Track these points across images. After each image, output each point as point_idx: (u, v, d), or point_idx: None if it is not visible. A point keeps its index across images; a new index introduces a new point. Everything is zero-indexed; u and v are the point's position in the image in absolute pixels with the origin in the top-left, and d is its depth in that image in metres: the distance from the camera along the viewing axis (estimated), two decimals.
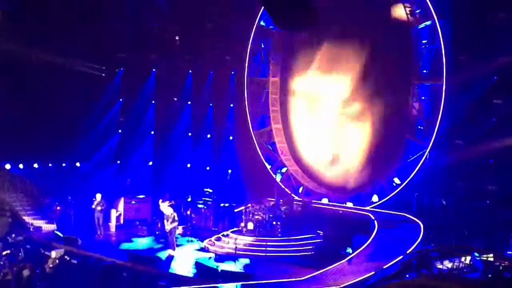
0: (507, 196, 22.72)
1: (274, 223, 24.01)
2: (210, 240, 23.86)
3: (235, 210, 26.57)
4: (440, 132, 24.60)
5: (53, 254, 20.12)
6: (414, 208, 24.70)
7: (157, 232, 25.34)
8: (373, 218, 23.94)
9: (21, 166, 28.42)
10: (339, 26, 28.12)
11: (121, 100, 31.62)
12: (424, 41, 25.86)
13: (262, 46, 31.27)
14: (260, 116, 31.66)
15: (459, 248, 20.20)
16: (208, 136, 32.45)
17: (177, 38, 32.17)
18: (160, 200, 23.14)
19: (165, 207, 22.49)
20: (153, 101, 32.24)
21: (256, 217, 24.16)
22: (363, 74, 27.75)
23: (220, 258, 21.87)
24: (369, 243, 21.21)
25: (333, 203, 27.78)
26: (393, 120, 26.98)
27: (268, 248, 22.41)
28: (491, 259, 18.90)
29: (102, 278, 19.58)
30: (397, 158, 26.62)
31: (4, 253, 19.65)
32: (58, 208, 26.71)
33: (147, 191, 29.03)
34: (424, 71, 25.98)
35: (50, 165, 29.54)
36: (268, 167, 30.53)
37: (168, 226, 22.23)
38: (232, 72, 31.83)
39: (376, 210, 25.88)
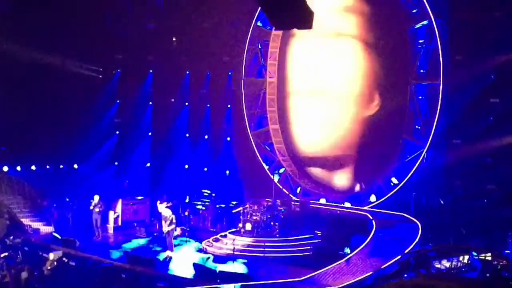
0: (505, 195, 22.75)
1: (272, 223, 24.03)
2: (208, 241, 23.87)
3: (233, 211, 26.59)
4: (438, 132, 24.63)
5: (51, 256, 20.12)
6: (412, 207, 24.69)
7: (155, 234, 25.34)
8: (371, 218, 23.96)
9: (18, 168, 28.39)
10: (335, 26, 28.18)
11: (118, 101, 31.61)
12: (420, 41, 25.89)
13: (259, 46, 31.26)
14: (257, 116, 31.65)
15: (457, 247, 20.20)
16: (206, 137, 32.45)
17: (174, 39, 32.16)
18: (158, 202, 23.14)
19: (163, 209, 22.49)
20: (150, 102, 32.25)
21: (254, 217, 24.16)
22: (360, 74, 27.76)
23: (219, 259, 21.88)
24: (367, 243, 21.23)
25: (331, 203, 27.78)
26: (390, 120, 27.00)
27: (266, 249, 22.41)
28: (489, 258, 18.92)
29: (100, 280, 19.55)
30: (395, 158, 26.64)
31: (2, 255, 19.61)
32: (56, 210, 26.71)
33: (145, 192, 29.03)
34: (421, 70, 26.02)
35: (47, 167, 29.52)
36: (266, 167, 30.52)
37: (166, 228, 22.23)
38: (229, 73, 31.82)
39: (374, 210, 25.89)
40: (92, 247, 23.53)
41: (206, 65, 31.83)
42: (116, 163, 31.64)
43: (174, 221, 22.35)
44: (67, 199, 26.89)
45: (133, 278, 19.55)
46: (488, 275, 17.51)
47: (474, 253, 19.06)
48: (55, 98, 28.13)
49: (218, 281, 18.52)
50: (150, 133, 32.37)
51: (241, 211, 25.08)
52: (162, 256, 22.09)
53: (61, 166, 29.90)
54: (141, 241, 24.86)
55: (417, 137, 26.03)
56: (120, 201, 27.09)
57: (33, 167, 28.84)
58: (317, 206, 27.16)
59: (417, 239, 20.98)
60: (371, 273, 18.40)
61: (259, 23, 30.50)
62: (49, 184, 28.27)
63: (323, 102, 29.30)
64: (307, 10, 7.83)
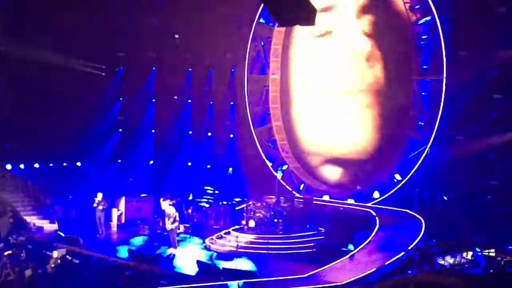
0: (509, 191, 22.71)
1: (275, 220, 24.02)
2: (212, 239, 23.88)
3: (236, 208, 26.58)
4: (441, 128, 24.57)
5: (55, 254, 20.11)
6: (415, 204, 24.67)
7: (158, 231, 25.36)
8: (374, 214, 23.95)
9: (22, 166, 28.44)
10: (337, 22, 28.17)
11: (121, 99, 31.62)
12: (424, 37, 25.82)
13: (262, 43, 31.22)
14: (260, 113, 31.61)
15: (460, 243, 20.21)
16: (209, 134, 32.43)
17: (176, 36, 32.11)
18: (162, 199, 23.16)
19: (167, 206, 22.51)
20: (153, 100, 32.25)
21: (258, 214, 24.17)
22: (363, 70, 27.72)
23: (222, 256, 21.89)
24: (371, 239, 21.23)
25: (334, 200, 27.76)
26: (393, 116, 26.96)
27: (269, 246, 22.42)
28: (493, 254, 18.93)
29: (104, 278, 19.57)
30: (398, 154, 26.59)
31: (6, 253, 19.63)
32: (60, 208, 26.73)
33: (148, 190, 29.05)
34: (424, 67, 25.94)
35: (51, 165, 29.56)
36: (269, 164, 30.48)
37: (169, 226, 22.26)
38: (232, 70, 31.80)
39: (377, 206, 25.86)
40: (96, 245, 23.55)
41: (209, 62, 31.80)
42: (119, 161, 31.65)
43: (177, 218, 22.38)
44: (70, 197, 26.88)
45: (136, 275, 19.57)
46: (492, 271, 17.53)
47: (478, 249, 19.08)
48: (58, 96, 28.16)
49: (222, 278, 18.54)
50: (153, 131, 32.36)
51: (245, 208, 25.09)
52: (165, 253, 22.10)
53: (65, 164, 29.94)
54: (145, 239, 24.87)
55: (420, 133, 25.98)
56: (123, 199, 27.10)
57: (36, 165, 28.89)
58: (321, 202, 27.14)
59: (420, 236, 20.98)
60: (374, 269, 18.41)
61: (261, 20, 30.44)
62: (52, 182, 28.31)
63: (326, 98, 29.26)
64: (310, 7, 7.82)
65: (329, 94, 29.10)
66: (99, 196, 25.09)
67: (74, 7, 28.10)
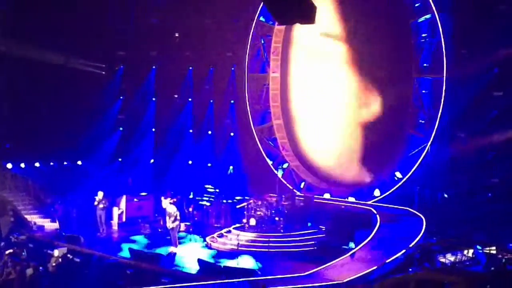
0: (509, 189, 22.71)
1: (276, 218, 24.01)
2: (213, 237, 23.88)
3: (237, 207, 26.59)
4: (441, 126, 24.57)
5: (56, 252, 20.15)
6: (416, 202, 24.68)
7: (159, 230, 25.36)
8: (375, 212, 23.95)
9: (22, 165, 28.45)
10: (339, 21, 28.20)
11: (121, 97, 31.63)
12: (424, 35, 25.81)
13: (262, 42, 31.22)
14: (260, 112, 31.62)
15: (461, 241, 20.21)
16: (209, 132, 32.44)
17: (177, 35, 32.14)
18: (163, 197, 23.16)
19: (168, 205, 22.51)
20: (153, 98, 32.25)
21: (258, 213, 24.16)
22: (364, 68, 27.73)
23: (223, 254, 21.90)
24: (372, 237, 21.22)
25: (335, 198, 27.78)
26: (394, 114, 26.96)
27: (270, 244, 22.42)
28: (494, 252, 18.93)
29: (105, 276, 19.59)
30: (399, 152, 26.59)
31: (7, 252, 19.66)
32: (60, 206, 26.74)
33: (149, 188, 29.06)
34: (425, 64, 25.93)
35: (51, 163, 29.57)
36: (270, 162, 30.50)
37: (170, 224, 22.26)
38: (232, 69, 31.80)
39: (378, 204, 25.88)
40: (97, 244, 23.56)
41: (209, 60, 31.80)
42: (119, 159, 31.67)
43: (178, 217, 22.38)
44: (71, 196, 26.86)
45: (137, 274, 19.59)
46: (492, 268, 17.52)
47: (479, 247, 19.07)
48: (59, 95, 28.17)
49: (222, 276, 18.54)
50: (153, 129, 32.38)
51: (245, 206, 25.07)
52: (166, 252, 22.11)
53: (65, 163, 29.94)
54: (145, 237, 24.89)
55: (421, 131, 25.98)
56: (124, 197, 27.10)
57: (37, 164, 28.90)
58: (321, 201, 27.15)
59: (421, 234, 20.96)
60: (375, 267, 18.40)
61: (261, 18, 30.46)
62: (53, 181, 28.32)
63: (326, 96, 29.28)
64: (310, 5, 7.82)
65: (329, 91, 29.10)
66: (100, 194, 25.10)
67: (74, 6, 28.10)
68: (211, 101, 32.38)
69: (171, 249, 22.35)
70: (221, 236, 24.09)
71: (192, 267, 20.17)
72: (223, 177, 30.72)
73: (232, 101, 32.05)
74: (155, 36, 31.19)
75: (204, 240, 23.81)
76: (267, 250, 22.18)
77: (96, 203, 25.10)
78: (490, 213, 22.14)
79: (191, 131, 32.65)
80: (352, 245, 21.26)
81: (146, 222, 26.35)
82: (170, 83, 32.11)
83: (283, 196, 25.66)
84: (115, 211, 26.76)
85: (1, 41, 27.15)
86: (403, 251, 19.37)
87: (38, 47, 27.52)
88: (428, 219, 22.23)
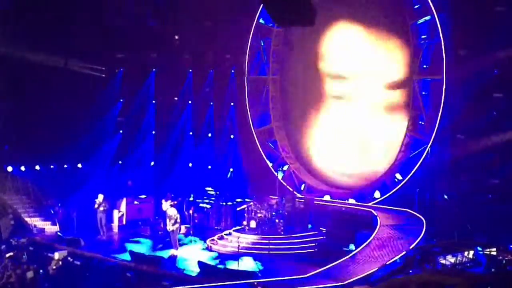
0: (510, 190, 22.70)
1: (276, 221, 24.02)
2: (213, 239, 23.88)
3: (238, 209, 26.59)
4: (441, 127, 24.56)
5: (56, 255, 20.17)
6: (416, 203, 24.66)
7: (160, 232, 25.37)
8: (375, 214, 23.94)
9: (23, 168, 28.44)
10: (338, 23, 28.23)
11: (121, 100, 31.63)
12: (423, 36, 25.81)
13: (262, 44, 31.23)
14: (260, 114, 31.61)
15: (462, 242, 20.20)
16: (209, 135, 32.44)
17: (176, 37, 32.14)
18: (163, 200, 23.17)
19: (168, 207, 22.51)
20: (153, 101, 32.25)
21: (259, 215, 24.17)
22: (363, 70, 27.73)
23: (223, 257, 21.90)
24: (372, 239, 21.21)
25: (336, 200, 27.76)
26: (394, 116, 26.96)
27: (271, 246, 22.42)
28: (494, 253, 18.91)
29: (105, 279, 19.59)
30: (399, 154, 26.57)
31: (7, 255, 19.69)
32: (61, 209, 26.75)
33: (149, 191, 29.06)
34: (424, 66, 25.93)
35: (52, 166, 29.56)
36: (270, 164, 30.49)
37: (170, 227, 22.27)
38: (232, 71, 31.80)
39: (379, 206, 25.86)
40: (97, 246, 23.57)
41: (209, 63, 31.81)
42: (120, 162, 31.66)
43: (178, 220, 22.39)
44: (71, 199, 26.86)
45: (138, 277, 19.60)
46: (493, 270, 17.51)
47: (479, 248, 19.06)
48: (58, 97, 28.15)
49: (223, 279, 18.54)
50: (153, 132, 32.38)
51: (246, 208, 25.10)
52: (167, 254, 22.11)
53: (65, 166, 29.93)
54: (146, 240, 24.89)
55: (421, 133, 25.97)
56: (124, 200, 27.11)
57: (37, 167, 28.88)
58: (322, 203, 27.14)
59: (421, 235, 20.96)
60: (376, 269, 18.40)
61: (261, 21, 30.45)
62: (53, 184, 28.32)
63: (326, 98, 29.28)
64: (310, 7, 7.82)
65: (329, 93, 29.11)
66: (100, 197, 25.12)
67: (74, 8, 28.12)
68: (211, 103, 32.36)
69: (172, 251, 22.35)
70: (221, 238, 24.10)
71: (193, 270, 20.18)
72: (223, 180, 30.70)
73: (232, 104, 32.04)
74: (155, 39, 31.17)
75: (205, 243, 23.81)
76: (267, 252, 22.19)
77: (96, 206, 25.13)
78: (490, 215, 22.14)
79: (191, 133, 32.64)
80: (352, 247, 21.28)
81: (146, 224, 26.37)
82: (170, 85, 32.09)
83: (284, 198, 25.68)
84: (116, 214, 26.79)
85: (0, 43, 27.15)
86: (404, 252, 19.36)
87: (37, 50, 27.53)
88: (429, 220, 22.23)
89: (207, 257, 21.71)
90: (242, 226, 24.68)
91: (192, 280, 19.00)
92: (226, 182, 30.46)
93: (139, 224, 26.50)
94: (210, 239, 23.93)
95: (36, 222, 26.44)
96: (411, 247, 19.80)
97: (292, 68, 30.93)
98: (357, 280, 17.90)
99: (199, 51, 31.48)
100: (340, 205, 26.60)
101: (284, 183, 29.47)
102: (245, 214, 24.80)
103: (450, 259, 18.55)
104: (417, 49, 25.87)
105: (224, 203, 27.00)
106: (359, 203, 26.86)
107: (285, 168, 30.84)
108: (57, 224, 26.27)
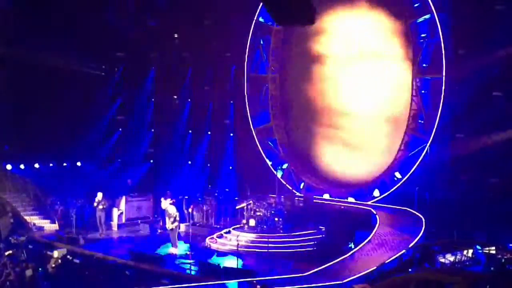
0: (509, 189, 22.70)
1: (275, 219, 24.02)
2: (212, 238, 23.88)
3: (237, 207, 26.59)
4: (441, 126, 24.56)
5: (55, 253, 20.15)
6: (416, 202, 24.65)
7: (159, 231, 25.38)
8: (374, 212, 23.95)
9: (22, 166, 28.46)
10: (337, 21, 28.25)
11: (120, 98, 31.62)
12: (423, 35, 25.80)
13: (261, 42, 31.22)
14: (260, 112, 31.59)
15: (461, 241, 20.20)
16: (209, 133, 32.43)
17: (175, 35, 32.13)
18: (162, 198, 23.17)
19: (168, 205, 22.51)
20: (152, 99, 32.24)
21: (258, 213, 24.18)
22: (362, 68, 27.72)
23: (222, 255, 21.91)
24: (371, 237, 21.22)
25: (335, 198, 27.77)
26: (393, 114, 26.96)
27: (270, 245, 22.43)
28: (494, 252, 18.92)
29: (105, 277, 19.58)
30: (398, 153, 26.57)
31: (6, 253, 19.64)
32: (60, 208, 26.75)
33: (148, 189, 29.05)
34: (424, 65, 25.92)
35: (51, 165, 29.58)
36: (269, 163, 30.48)
37: (169, 225, 22.28)
38: (232, 69, 31.78)
39: (378, 204, 25.87)
40: (96, 245, 23.57)
41: (208, 61, 31.79)
42: (119, 160, 31.66)
43: (177, 218, 22.39)
44: (71, 197, 26.85)
45: (137, 275, 19.59)
46: (492, 268, 17.52)
47: (479, 247, 19.06)
48: (58, 96, 28.16)
49: (222, 277, 18.55)
50: (152, 130, 32.38)
51: (245, 207, 25.11)
52: (166, 253, 22.11)
53: (65, 164, 29.94)
54: (145, 238, 24.90)
55: (420, 132, 25.97)
56: (123, 198, 27.11)
57: (36, 165, 28.90)
58: (321, 201, 27.14)
59: (421, 234, 20.97)
60: (375, 267, 18.39)
61: (261, 19, 30.43)
62: (52, 182, 28.32)
63: (325, 97, 29.28)
64: (309, 6, 7.81)
65: (328, 92, 29.11)
66: (99, 195, 25.13)
67: (73, 7, 28.09)
68: (211, 102, 32.35)
69: (171, 250, 22.35)
70: (220, 236, 24.09)
71: (192, 268, 20.17)
72: (222, 178, 30.70)
73: (231, 102, 32.03)
74: (154, 37, 31.19)
75: (204, 241, 23.80)
76: (266, 250, 22.19)
77: (95, 204, 25.13)
78: (489, 213, 22.15)
79: (190, 131, 32.65)
80: (351, 245, 21.26)
81: (145, 223, 26.36)
82: (169, 84, 32.09)
83: (283, 196, 25.70)
84: (115, 212, 26.79)
85: (0, 41, 27.15)
86: (403, 251, 19.36)
87: (37, 49, 27.52)
88: (428, 219, 22.23)
89: (206, 255, 21.69)
90: (241, 225, 24.68)
91: (191, 278, 19.00)
92: (225, 180, 30.45)
93: (138, 223, 26.47)
94: (210, 237, 23.92)
95: (35, 220, 26.45)
96: (410, 246, 19.81)
97: (291, 66, 30.91)
98: (357, 279, 17.90)
99: (198, 50, 31.44)
100: (340, 204, 26.60)
101: (283, 181, 29.47)
102: (245, 213, 24.82)
103: (450, 257, 18.55)
104: (416, 48, 25.86)
105: (223, 202, 26.99)
106: (359, 202, 26.86)
107: (285, 166, 30.84)
108: (56, 222, 26.27)
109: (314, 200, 26.42)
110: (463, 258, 18.65)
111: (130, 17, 30.91)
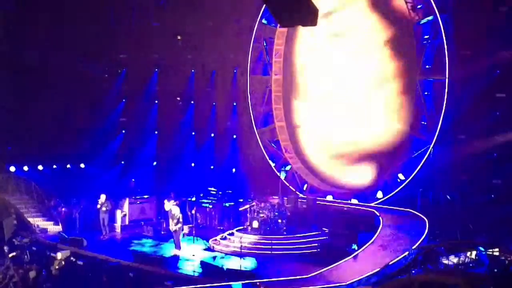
0: None
1: (279, 221, 24.01)
2: (215, 239, 23.88)
3: (240, 209, 26.56)
4: (444, 127, 24.54)
5: (59, 255, 20.12)
6: (419, 203, 24.65)
7: (162, 232, 25.39)
8: (378, 214, 23.94)
9: (26, 168, 28.48)
10: (340, 23, 28.28)
11: (124, 100, 31.67)
12: (426, 37, 25.79)
13: (264, 44, 31.25)
14: (263, 114, 31.64)
15: (464, 243, 20.18)
16: (212, 135, 32.47)
17: (179, 37, 32.17)
18: (166, 200, 23.17)
19: (172, 207, 22.51)
20: (156, 101, 32.28)
21: (261, 215, 24.16)
22: (366, 70, 27.73)
23: (226, 257, 21.91)
24: (374, 239, 21.20)
25: (338, 200, 27.76)
26: (396, 116, 26.95)
27: (273, 246, 22.43)
28: (497, 253, 18.89)
29: (108, 279, 19.59)
30: (401, 154, 26.57)
31: (10, 255, 19.66)
32: (63, 209, 26.77)
33: (152, 191, 29.07)
34: (427, 66, 25.91)
35: (54, 166, 29.62)
36: (272, 165, 30.52)
37: (173, 227, 22.29)
38: (235, 71, 31.82)
39: (381, 206, 25.85)
40: (100, 246, 23.58)
41: (211, 63, 31.84)
42: (122, 162, 31.70)
43: (181, 219, 22.41)
44: (74, 199, 26.88)
45: (140, 276, 19.60)
46: (496, 270, 17.49)
47: (482, 249, 19.04)
48: (61, 97, 28.21)
49: (225, 279, 18.55)
50: (156, 132, 32.41)
51: (248, 209, 25.08)
52: (169, 254, 22.11)
53: (68, 166, 29.99)
54: (148, 240, 24.90)
55: (423, 133, 25.96)
56: (127, 200, 27.12)
57: (40, 167, 28.92)
58: (324, 203, 27.12)
59: (424, 235, 20.94)
60: (378, 269, 18.39)
61: (264, 21, 30.50)
62: (56, 184, 28.34)
63: (329, 98, 29.29)
64: (312, 8, 7.84)
65: (332, 94, 29.12)
66: (102, 197, 25.14)
67: (76, 9, 28.15)
68: (214, 103, 32.42)
69: (174, 251, 22.36)
70: (224, 238, 24.09)
71: (195, 270, 20.18)
72: (225, 180, 30.72)
73: (234, 104, 32.08)
74: (157, 39, 31.23)
75: (207, 243, 23.81)
76: (270, 252, 22.20)
77: (99, 206, 25.14)
78: (493, 215, 22.13)
79: (193, 133, 32.69)
80: (355, 247, 21.25)
81: (149, 224, 26.37)
82: (172, 85, 32.14)
83: (286, 198, 25.69)
84: (118, 214, 26.80)
85: (4, 43, 27.20)
86: (406, 253, 19.34)
87: (40, 50, 27.58)
88: (431, 220, 22.20)
89: (210, 257, 21.69)
90: (245, 226, 24.67)
91: (195, 280, 19.00)
92: (228, 182, 30.46)
93: (141, 224, 26.49)
94: (213, 239, 23.93)
95: (39, 222, 26.45)
96: (413, 247, 19.78)
97: (294, 68, 30.93)
98: (360, 281, 17.91)
99: (201, 51, 31.51)
100: (343, 205, 26.58)
101: (286, 183, 29.48)
102: (248, 214, 24.79)
103: (453, 259, 18.56)
104: (420, 49, 25.86)
105: (226, 204, 27.01)
106: (362, 203, 26.86)
107: (288, 168, 30.87)
108: (60, 224, 26.29)
109: (317, 202, 26.40)
110: (466, 260, 18.64)
111: (133, 18, 30.95)
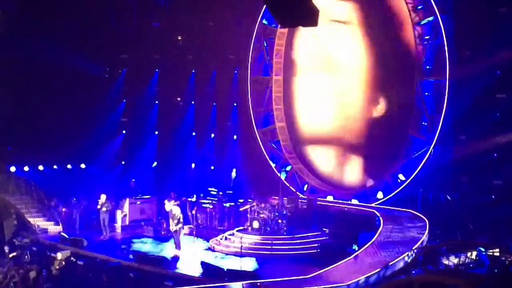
0: None
1: (279, 221, 24.00)
2: (216, 240, 23.88)
3: (240, 209, 26.55)
4: (444, 128, 24.55)
5: (59, 255, 20.17)
6: (419, 204, 24.65)
7: (162, 232, 25.39)
8: (378, 214, 23.93)
9: (26, 168, 28.50)
10: (341, 23, 28.26)
11: (124, 100, 31.69)
12: (426, 37, 25.80)
13: (265, 44, 31.25)
14: (263, 114, 31.64)
15: (464, 243, 20.19)
16: (212, 135, 32.48)
17: (179, 38, 32.18)
18: (166, 200, 23.17)
19: (171, 207, 22.50)
20: (156, 101, 32.29)
21: (261, 215, 24.15)
22: (366, 71, 27.73)
23: (226, 257, 21.90)
24: (375, 240, 21.20)
25: (338, 201, 27.76)
26: (397, 117, 26.96)
27: (273, 247, 22.42)
28: (497, 254, 18.89)
29: (108, 279, 19.60)
30: (402, 155, 26.57)
31: (10, 255, 19.71)
32: (64, 209, 26.78)
33: (152, 191, 29.07)
34: (427, 67, 25.92)
35: (55, 167, 29.63)
36: (273, 165, 30.52)
37: (173, 227, 22.28)
38: (235, 71, 31.82)
39: (381, 206, 25.85)
40: (100, 247, 23.58)
41: (212, 63, 31.84)
42: (123, 162, 31.71)
43: (181, 220, 22.40)
44: (74, 199, 26.89)
45: (141, 277, 19.61)
46: (496, 270, 17.49)
47: (482, 249, 19.05)
48: (62, 98, 28.22)
49: (226, 279, 18.55)
50: (156, 132, 32.42)
51: (248, 209, 25.07)
52: (169, 255, 22.11)
53: (69, 166, 30.00)
54: (149, 240, 24.90)
55: (423, 134, 25.96)
56: (127, 200, 27.12)
57: (40, 167, 28.94)
58: (325, 203, 27.12)
59: (424, 236, 20.94)
60: (379, 269, 18.38)
61: (264, 21, 30.50)
62: (56, 184, 28.34)
63: (329, 99, 29.29)
64: (312, 8, 7.84)
65: (333, 94, 29.12)
66: (103, 197, 25.12)
67: (77, 9, 28.16)
68: (214, 104, 32.42)
69: (175, 252, 22.36)
70: (224, 238, 24.08)
71: (196, 270, 20.18)
72: (226, 180, 30.71)
73: (235, 104, 32.09)
74: (158, 39, 31.25)
75: (208, 243, 23.81)
76: (270, 252, 22.19)
77: (99, 206, 25.13)
78: (493, 215, 22.13)
79: (194, 134, 32.69)
80: (355, 247, 21.24)
81: (149, 225, 26.37)
82: (173, 86, 32.16)
83: (286, 198, 25.68)
84: (119, 214, 26.79)
85: (4, 43, 27.21)
86: (407, 253, 19.34)
87: (41, 50, 27.57)
88: (432, 221, 22.20)
89: (210, 257, 21.69)
90: (245, 227, 24.66)
91: (195, 280, 18.99)
92: (229, 182, 30.46)
93: (142, 225, 26.49)
94: (213, 239, 23.93)
95: (39, 222, 26.44)
96: (414, 248, 19.78)
97: (295, 68, 30.93)
98: (360, 281, 17.90)
99: (202, 52, 31.52)
100: (343, 206, 26.58)
101: (287, 183, 29.47)
102: (248, 215, 24.78)
103: (453, 259, 18.56)
104: (420, 50, 25.86)
105: (227, 204, 27.00)
106: (362, 204, 26.86)
107: (288, 168, 30.87)
108: (60, 224, 26.29)
109: (318, 202, 26.39)
110: (466, 260, 18.64)
111: (134, 19, 30.97)
